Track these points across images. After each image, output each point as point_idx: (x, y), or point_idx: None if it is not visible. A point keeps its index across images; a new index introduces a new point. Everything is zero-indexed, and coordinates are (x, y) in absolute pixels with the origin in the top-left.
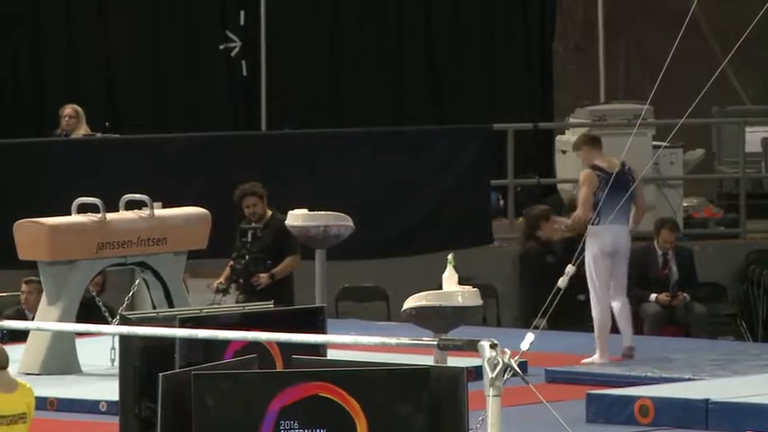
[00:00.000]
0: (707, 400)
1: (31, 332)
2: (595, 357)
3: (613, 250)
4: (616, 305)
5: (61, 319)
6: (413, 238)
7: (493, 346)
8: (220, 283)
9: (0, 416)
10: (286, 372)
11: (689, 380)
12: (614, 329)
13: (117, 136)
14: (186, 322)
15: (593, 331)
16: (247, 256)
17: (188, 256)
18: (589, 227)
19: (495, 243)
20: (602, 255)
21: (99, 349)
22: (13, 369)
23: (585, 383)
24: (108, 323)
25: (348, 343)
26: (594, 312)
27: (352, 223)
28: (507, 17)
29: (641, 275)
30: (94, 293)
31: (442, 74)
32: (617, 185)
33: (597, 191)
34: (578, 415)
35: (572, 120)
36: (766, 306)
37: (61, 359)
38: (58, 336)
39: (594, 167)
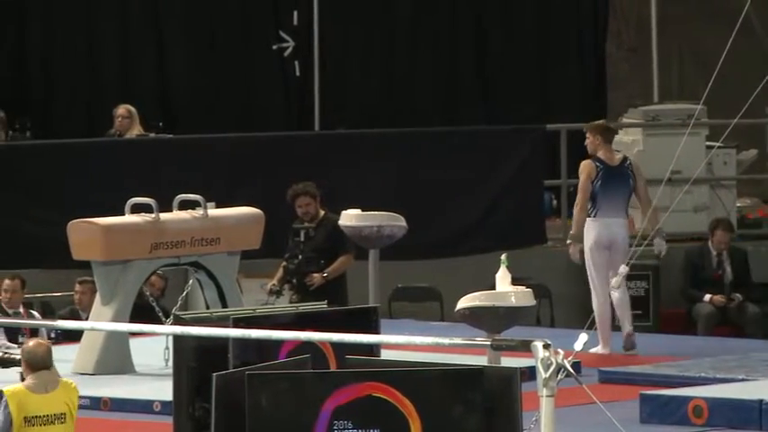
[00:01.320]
0: (761, 400)
1: (84, 332)
2: (598, 348)
3: (609, 243)
4: (615, 295)
5: (115, 319)
6: (466, 239)
7: (546, 347)
8: (273, 284)
9: (33, 416)
10: (340, 372)
11: (743, 380)
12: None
13: (170, 136)
14: (240, 322)
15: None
16: (300, 256)
17: (241, 256)
18: (588, 219)
19: (548, 243)
20: (597, 247)
21: (153, 349)
22: (66, 369)
23: (639, 384)
24: (162, 324)
25: (401, 343)
26: (594, 304)
27: (405, 223)
28: (560, 17)
29: (695, 276)
30: (149, 295)
31: (495, 74)
32: (614, 179)
33: (594, 181)
34: (632, 415)
35: (625, 120)
36: None
37: (115, 359)
38: (111, 336)
39: (595, 158)
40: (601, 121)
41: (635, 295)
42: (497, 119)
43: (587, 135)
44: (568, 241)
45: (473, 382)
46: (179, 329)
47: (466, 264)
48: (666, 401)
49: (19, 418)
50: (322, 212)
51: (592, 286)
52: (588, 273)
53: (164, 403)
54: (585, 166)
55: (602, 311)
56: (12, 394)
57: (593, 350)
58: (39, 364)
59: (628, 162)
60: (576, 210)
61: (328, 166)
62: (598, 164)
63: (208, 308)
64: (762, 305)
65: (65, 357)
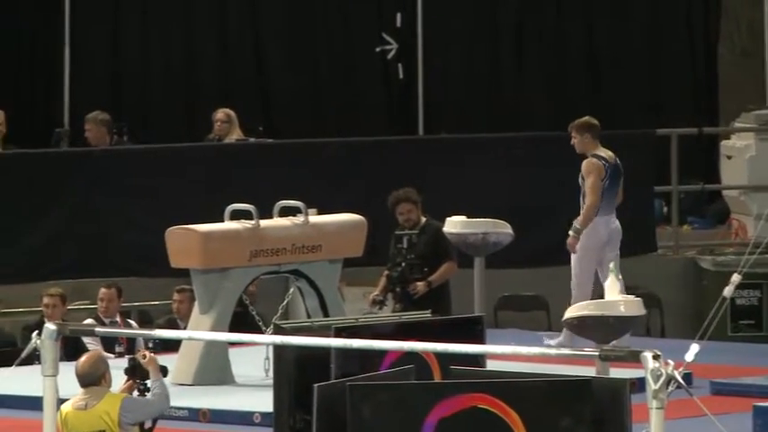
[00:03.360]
0: None
1: (183, 342)
2: (561, 339)
3: (608, 239)
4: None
5: (214, 329)
6: None
7: (656, 357)
8: (376, 295)
9: None
10: (444, 383)
11: None
12: None
13: (270, 141)
14: (342, 332)
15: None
16: (403, 264)
17: (343, 263)
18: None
19: (658, 251)
20: (597, 245)
21: (253, 359)
22: (165, 380)
23: (752, 395)
24: (262, 333)
25: (507, 353)
26: (574, 295)
27: (511, 230)
28: (671, 19)
29: None
30: (248, 304)
31: (603, 77)
32: (615, 177)
33: (603, 180)
34: (744, 428)
35: (737, 124)
36: None
37: (214, 369)
38: (210, 345)
39: (597, 157)
40: (585, 119)
41: (748, 305)
42: (606, 123)
43: (573, 134)
44: (573, 233)
45: (581, 393)
46: (280, 339)
47: None
48: None
49: None
50: (424, 219)
51: (577, 282)
52: (577, 268)
53: (264, 415)
54: (596, 166)
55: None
56: (59, 412)
57: (551, 342)
58: (83, 381)
59: (616, 159)
60: (590, 211)
61: (432, 172)
62: (604, 162)
63: (309, 317)
64: None
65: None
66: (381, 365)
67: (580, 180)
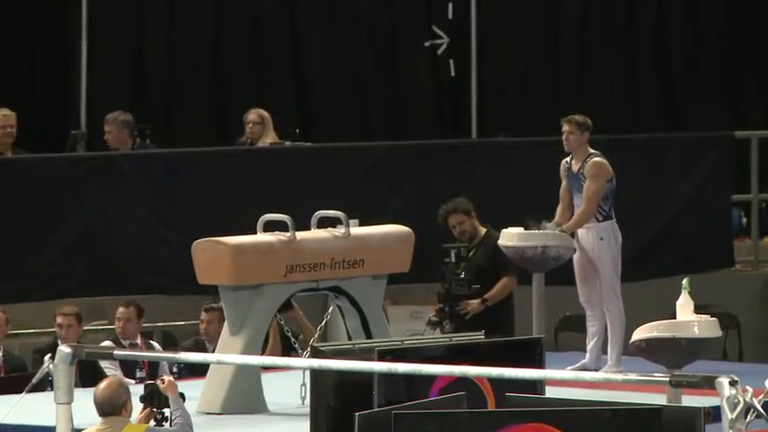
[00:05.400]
0: None
1: (211, 366)
2: (611, 366)
3: None
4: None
5: (245, 351)
6: (643, 261)
7: (733, 384)
8: (433, 315)
9: None
10: (499, 411)
11: None
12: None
13: (308, 144)
14: (386, 355)
15: None
16: (450, 279)
17: (388, 280)
18: (607, 222)
19: (736, 266)
20: (618, 248)
21: (287, 385)
22: (191, 407)
23: None
24: (297, 355)
25: (569, 379)
26: (616, 313)
27: (573, 244)
28: (747, 15)
29: None
30: (283, 324)
31: (676, 74)
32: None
33: (611, 181)
34: None
35: None
36: None
37: (245, 396)
38: (241, 370)
39: (603, 157)
40: (583, 116)
41: None
42: (679, 124)
43: (570, 129)
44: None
45: (650, 423)
46: (317, 363)
47: (643, 289)
48: None
49: None
50: (483, 230)
51: (613, 292)
52: (610, 278)
53: None
54: (605, 170)
55: (623, 322)
56: None
57: (603, 369)
58: (102, 410)
59: None
60: (585, 217)
61: (487, 178)
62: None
63: (350, 339)
64: None
65: (189, 395)
66: (430, 392)
67: (567, 176)
